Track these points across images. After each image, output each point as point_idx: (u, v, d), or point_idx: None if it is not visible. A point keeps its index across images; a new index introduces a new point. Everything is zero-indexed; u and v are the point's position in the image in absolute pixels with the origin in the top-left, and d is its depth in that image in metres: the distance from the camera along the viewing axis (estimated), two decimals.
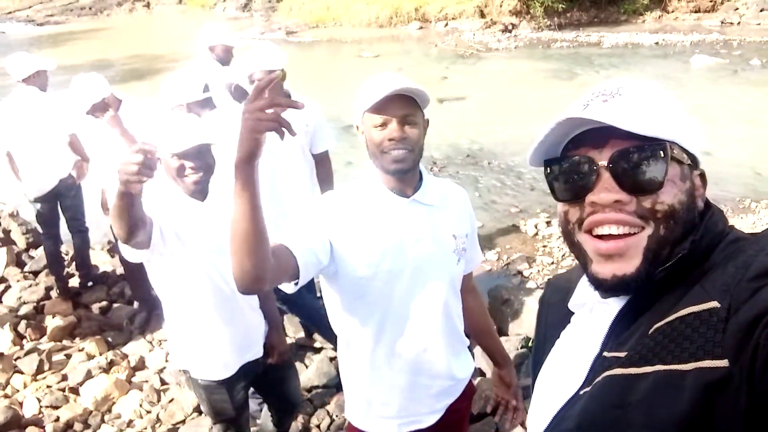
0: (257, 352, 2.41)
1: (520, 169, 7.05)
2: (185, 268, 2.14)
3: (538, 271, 4.88)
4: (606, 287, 0.84)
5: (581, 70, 12.07)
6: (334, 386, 3.37)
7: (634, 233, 0.81)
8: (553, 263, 4.98)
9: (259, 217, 1.35)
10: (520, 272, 4.89)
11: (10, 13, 27.41)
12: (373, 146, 1.69)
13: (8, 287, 4.65)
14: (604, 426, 0.76)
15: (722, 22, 16.13)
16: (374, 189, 1.76)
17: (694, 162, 0.87)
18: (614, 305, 0.87)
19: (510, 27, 17.03)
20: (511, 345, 3.43)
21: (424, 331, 1.79)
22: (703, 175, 0.89)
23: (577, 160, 0.86)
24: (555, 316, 1.04)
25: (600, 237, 0.83)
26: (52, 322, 4.15)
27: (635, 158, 0.81)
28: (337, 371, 3.36)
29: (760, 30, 15.11)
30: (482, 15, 17.85)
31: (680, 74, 11.08)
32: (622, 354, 0.79)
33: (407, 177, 1.74)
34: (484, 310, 2.10)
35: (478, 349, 2.98)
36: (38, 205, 4.36)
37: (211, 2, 25.53)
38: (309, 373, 3.47)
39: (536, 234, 5.49)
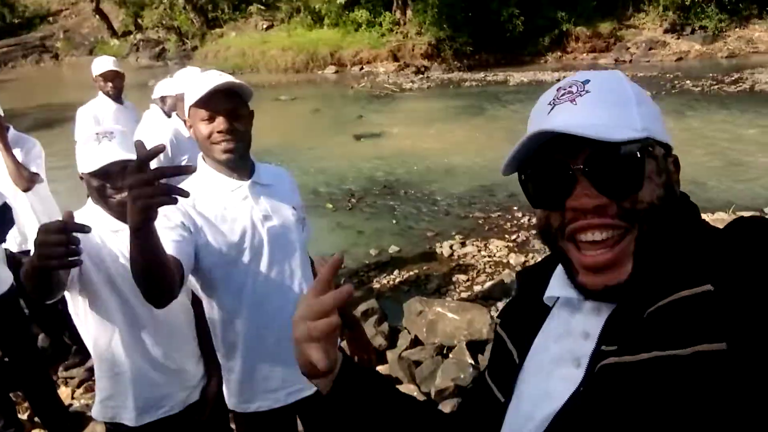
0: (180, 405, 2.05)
1: (435, 196, 7.26)
2: (100, 297, 1.92)
3: (454, 287, 5.02)
4: (596, 297, 0.83)
5: (490, 105, 12.70)
6: None
7: (618, 236, 0.79)
8: (468, 280, 5.13)
9: (160, 252, 1.43)
10: (437, 290, 5.00)
11: None
12: (202, 138, 1.80)
13: None
14: (606, 417, 0.73)
15: (616, 60, 17.46)
16: (214, 179, 1.86)
17: (667, 150, 0.85)
18: (607, 303, 0.84)
19: (422, 69, 17.72)
20: (426, 353, 3.50)
21: (289, 297, 1.89)
22: (676, 160, 0.87)
23: (552, 166, 0.82)
24: (530, 309, 0.98)
25: (585, 245, 0.81)
26: None
27: (611, 161, 0.78)
28: None
29: (650, 66, 16.45)
30: (395, 58, 18.51)
31: None
32: (618, 346, 0.77)
33: (240, 165, 1.86)
34: None
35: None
36: None
37: (123, 52, 25.13)
38: None
39: (452, 254, 5.64)
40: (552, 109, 0.83)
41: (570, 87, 0.84)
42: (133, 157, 1.80)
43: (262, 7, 23.52)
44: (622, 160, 0.78)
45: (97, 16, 27.40)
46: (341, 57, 18.91)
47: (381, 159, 8.98)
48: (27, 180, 3.38)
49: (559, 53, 18.71)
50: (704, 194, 6.51)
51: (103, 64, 4.50)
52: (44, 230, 1.37)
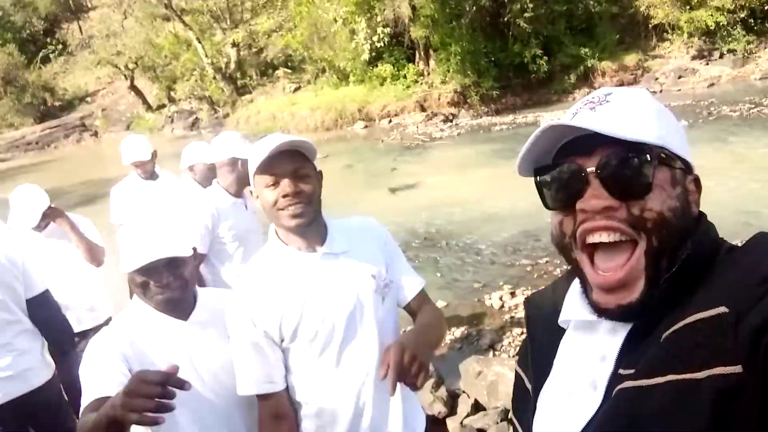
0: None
1: (478, 245, 7.10)
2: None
3: (509, 342, 4.80)
4: (610, 316, 0.83)
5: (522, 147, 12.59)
6: None
7: (627, 246, 0.80)
8: (522, 332, 4.91)
9: None
10: (491, 346, 4.79)
11: None
12: (269, 206, 1.68)
13: None
14: None
15: None
16: (283, 254, 1.74)
17: (687, 167, 0.86)
18: (622, 323, 0.84)
19: (450, 117, 17.80)
20: (489, 419, 3.29)
21: (362, 385, 1.73)
22: (697, 180, 0.87)
23: (565, 168, 0.85)
24: (545, 335, 0.99)
25: (597, 257, 0.82)
26: None
27: (621, 162, 0.80)
28: None
29: (682, 95, 16.21)
30: (422, 108, 18.67)
31: None
32: (635, 369, 0.77)
33: (310, 231, 1.72)
34: (440, 315, 1.99)
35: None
36: None
37: (159, 125, 26.01)
38: None
39: (502, 306, 5.44)
40: (573, 117, 0.85)
41: (592, 99, 0.87)
42: (179, 253, 1.80)
43: (288, 71, 24.19)
44: (632, 161, 0.80)
45: (132, 93, 28.53)
46: (369, 112, 19.16)
47: (418, 210, 8.89)
48: (101, 254, 3.57)
49: (586, 89, 18.59)
50: (758, 222, 6.20)
51: (130, 154, 4.42)
52: (140, 379, 1.23)
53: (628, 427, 0.74)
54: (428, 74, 19.88)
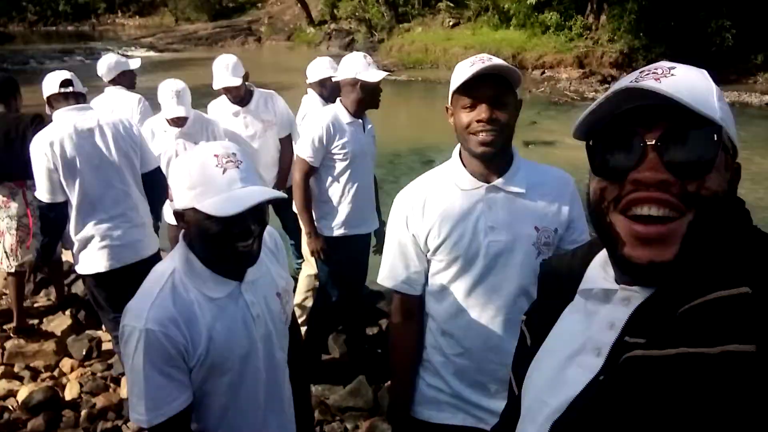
0: None
1: None
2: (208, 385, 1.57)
3: None
4: (639, 272, 0.81)
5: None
6: (368, 410, 3.29)
7: (674, 218, 0.78)
8: None
9: None
10: None
11: (135, 39, 29.99)
12: (461, 128, 1.68)
13: (79, 277, 4.90)
14: (626, 408, 0.73)
15: None
16: (454, 174, 1.76)
17: (734, 152, 0.84)
18: (639, 292, 0.83)
19: (609, 78, 16.60)
20: None
21: (494, 319, 1.77)
22: (738, 168, 0.86)
23: (623, 136, 0.81)
24: (555, 297, 1.00)
25: (637, 219, 0.79)
26: None
27: (687, 139, 0.78)
28: (374, 395, 3.27)
29: None
30: (581, 65, 17.57)
31: None
32: (645, 339, 0.76)
33: (494, 161, 1.71)
34: None
35: None
36: None
37: (317, 40, 26.72)
38: (344, 392, 3.41)
39: None
40: (636, 83, 0.81)
41: (655, 69, 0.83)
42: (273, 193, 1.49)
43: (451, 4, 23.62)
44: (699, 140, 0.78)
45: (299, 5, 29.39)
46: (523, 59, 18.35)
47: None
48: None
49: None
50: None
51: (219, 77, 4.21)
52: None
53: (635, 395, 0.72)
54: (596, 29, 18.53)
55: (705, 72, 0.86)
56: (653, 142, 0.78)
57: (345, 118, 3.38)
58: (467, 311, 1.77)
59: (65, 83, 3.18)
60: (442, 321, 1.83)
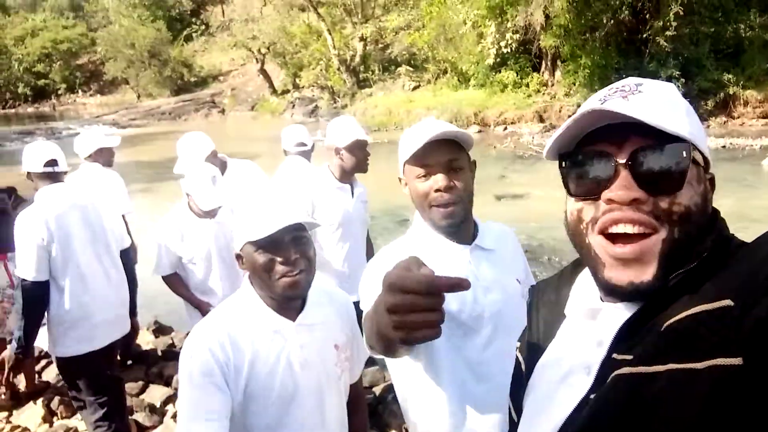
0: None
1: None
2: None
3: None
4: (620, 294, 0.82)
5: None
6: None
7: (648, 234, 0.79)
8: None
9: None
10: None
11: (97, 117, 29.92)
12: (420, 199, 1.58)
13: (50, 362, 4.59)
14: (617, 427, 0.73)
15: None
16: (432, 239, 1.64)
17: (706, 164, 0.85)
18: (624, 310, 0.83)
19: None
20: None
21: (503, 382, 1.59)
22: (712, 179, 0.87)
23: (594, 156, 0.83)
24: (545, 320, 1.00)
25: (614, 238, 0.80)
26: None
27: (657, 157, 0.79)
28: None
29: None
30: (541, 119, 18.08)
31: (751, 177, 10.67)
32: (632, 356, 0.76)
33: (462, 230, 1.63)
34: None
35: None
36: None
37: (280, 109, 27.07)
38: None
39: None
40: (603, 103, 0.82)
41: (623, 87, 0.84)
42: (306, 219, 1.60)
43: (410, 69, 24.32)
44: (669, 157, 0.79)
45: (261, 76, 29.91)
46: (485, 117, 18.83)
47: (523, 222, 8.56)
48: None
49: (723, 118, 17.20)
50: None
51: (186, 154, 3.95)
52: (403, 277, 0.83)
53: (625, 413, 0.72)
54: (552, 85, 19.22)
55: (673, 87, 0.86)
56: (624, 161, 0.79)
57: (332, 183, 3.31)
58: (478, 377, 1.62)
59: (50, 163, 3.07)
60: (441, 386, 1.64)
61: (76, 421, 3.81)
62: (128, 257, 3.31)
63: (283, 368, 1.60)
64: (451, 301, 1.56)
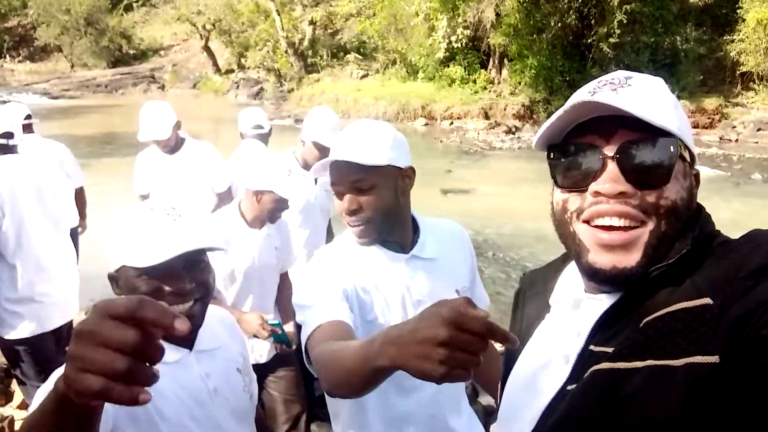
0: None
1: (525, 262, 6.88)
2: None
3: None
4: (603, 278, 0.82)
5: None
6: None
7: (635, 227, 0.79)
8: None
9: None
10: None
11: (27, 85, 28.25)
12: (341, 215, 1.54)
13: None
14: (594, 421, 0.74)
15: (720, 138, 16.56)
16: (365, 249, 1.56)
17: (692, 160, 0.86)
18: (605, 300, 0.84)
19: (514, 129, 17.42)
20: None
21: (428, 396, 1.57)
22: (698, 175, 0.88)
23: (582, 148, 0.83)
24: (532, 309, 1.01)
25: (600, 228, 0.81)
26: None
27: (645, 151, 0.79)
28: None
29: (758, 148, 15.47)
30: (486, 116, 18.34)
31: None
32: (610, 349, 0.77)
33: (392, 241, 1.56)
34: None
35: None
36: None
37: (224, 88, 26.36)
38: None
39: None
40: (593, 95, 0.82)
41: (612, 80, 0.85)
42: (213, 241, 1.31)
43: (359, 57, 24.14)
44: (657, 151, 0.79)
45: (205, 53, 28.99)
46: (432, 110, 18.94)
47: (469, 217, 8.65)
48: None
49: None
50: None
51: (147, 130, 3.68)
52: (101, 313, 0.65)
53: (603, 407, 0.73)
54: (498, 83, 19.52)
55: (661, 81, 0.87)
56: (612, 154, 0.80)
57: (296, 169, 3.23)
58: (398, 397, 1.57)
59: (6, 135, 2.88)
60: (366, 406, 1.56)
61: (11, 409, 3.61)
62: (75, 236, 3.16)
63: (194, 401, 1.35)
64: (381, 314, 1.50)
